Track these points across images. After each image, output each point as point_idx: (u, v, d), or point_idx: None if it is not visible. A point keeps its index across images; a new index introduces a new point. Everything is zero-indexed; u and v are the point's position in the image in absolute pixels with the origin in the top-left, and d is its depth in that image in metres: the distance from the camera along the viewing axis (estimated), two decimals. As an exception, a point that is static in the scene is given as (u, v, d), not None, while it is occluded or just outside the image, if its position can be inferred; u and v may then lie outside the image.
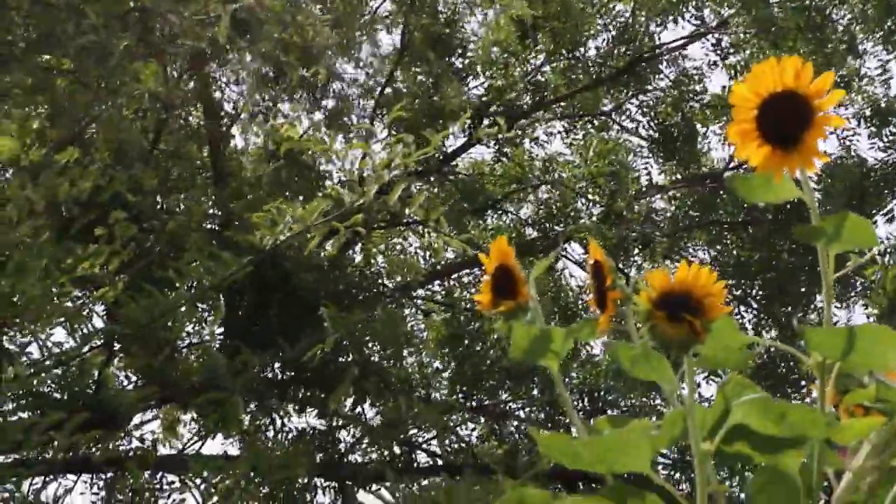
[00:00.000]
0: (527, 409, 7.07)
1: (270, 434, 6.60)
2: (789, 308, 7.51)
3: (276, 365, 5.93)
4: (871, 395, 1.11)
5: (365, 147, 4.31)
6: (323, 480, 6.46)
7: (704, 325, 0.96)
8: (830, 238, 1.04)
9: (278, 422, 6.67)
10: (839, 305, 7.88)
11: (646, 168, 8.32)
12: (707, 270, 0.96)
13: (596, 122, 8.62)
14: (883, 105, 8.13)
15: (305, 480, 5.98)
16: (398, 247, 8.16)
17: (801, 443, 1.07)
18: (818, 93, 0.98)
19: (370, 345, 6.02)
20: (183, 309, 4.10)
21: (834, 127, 1.00)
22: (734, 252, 7.82)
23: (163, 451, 6.24)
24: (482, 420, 7.11)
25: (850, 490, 1.11)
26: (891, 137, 8.13)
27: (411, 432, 6.51)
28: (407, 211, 4.42)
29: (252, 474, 4.70)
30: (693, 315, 0.96)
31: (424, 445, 7.02)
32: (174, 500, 5.69)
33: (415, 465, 7.04)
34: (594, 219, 7.68)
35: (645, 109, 8.45)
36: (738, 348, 1.12)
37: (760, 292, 7.82)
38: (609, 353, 1.08)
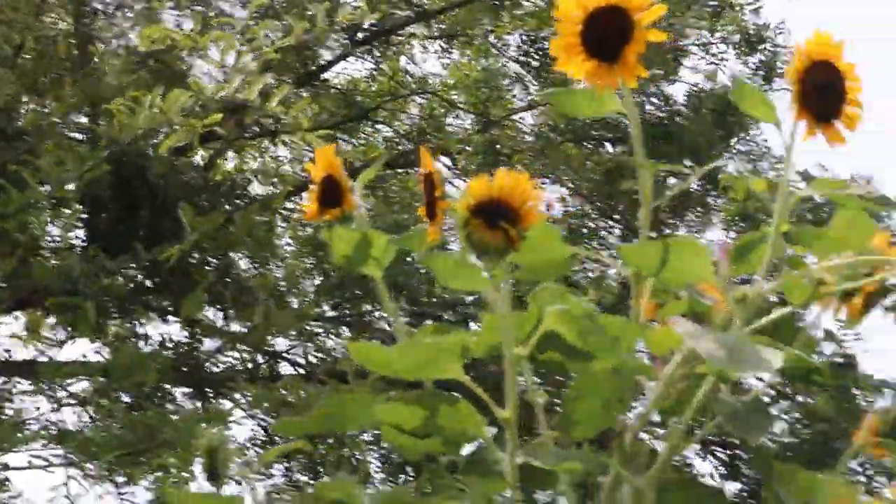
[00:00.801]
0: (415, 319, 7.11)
1: (133, 341, 6.55)
2: (656, 225, 7.66)
3: (137, 271, 5.85)
4: (685, 308, 1.14)
5: (229, 39, 4.20)
6: (182, 387, 6.45)
7: (520, 232, 0.97)
8: (652, 167, 1.06)
9: (140, 328, 6.61)
10: (693, 225, 8.02)
11: (522, 86, 8.33)
12: (526, 178, 0.97)
13: (474, 44, 8.58)
14: (752, 32, 8.27)
15: (165, 387, 5.96)
16: (270, 157, 8.06)
17: (613, 351, 1.10)
18: (640, 7, 0.99)
19: (232, 252, 5.98)
20: (39, 207, 4.00)
21: (658, 41, 1.01)
22: (599, 166, 7.91)
23: (20, 356, 6.14)
24: (346, 330, 7.15)
25: (662, 398, 1.14)
26: (758, 64, 8.29)
27: (273, 341, 6.52)
28: (269, 108, 4.33)
29: (106, 380, 4.66)
30: (510, 223, 0.97)
31: (287, 354, 7.05)
32: (24, 405, 5.62)
33: (277, 373, 7.06)
34: (467, 131, 7.69)
35: (522, 33, 8.44)
36: (560, 259, 1.14)
37: (627, 206, 7.94)
38: (424, 263, 1.09)
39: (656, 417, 1.16)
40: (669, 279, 1.10)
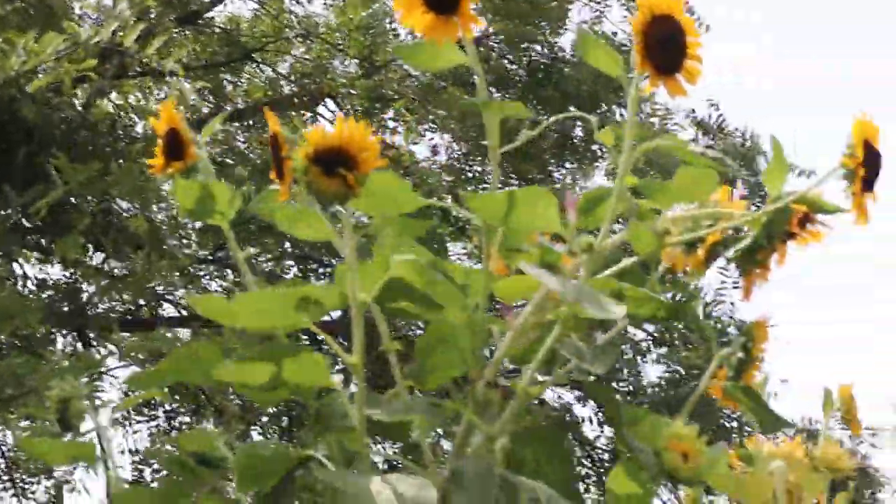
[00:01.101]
0: (274, 264, 7.08)
1: (11, 282, 6.42)
2: (537, 171, 7.70)
3: (14, 213, 5.72)
4: (535, 259, 1.16)
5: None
6: (63, 329, 6.35)
7: (359, 178, 0.98)
8: (496, 109, 1.07)
9: (19, 269, 6.49)
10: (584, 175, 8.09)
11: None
12: (363, 126, 0.98)
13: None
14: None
15: (44, 329, 5.86)
16: (152, 98, 7.91)
17: (462, 301, 1.11)
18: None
19: (111, 196, 5.87)
20: None
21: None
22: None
23: None
24: (230, 273, 7.10)
25: (513, 344, 1.16)
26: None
27: (157, 285, 6.44)
28: (147, 53, 4.25)
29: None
30: (347, 169, 0.98)
31: (171, 298, 6.99)
32: None
33: (160, 316, 6.99)
34: (351, 74, 7.63)
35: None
36: (405, 210, 1.14)
37: (514, 152, 8.00)
38: (267, 217, 1.09)
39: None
40: (517, 229, 1.11)
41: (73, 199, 5.57)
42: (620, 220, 1.16)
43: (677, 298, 1.17)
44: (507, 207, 1.08)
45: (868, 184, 1.07)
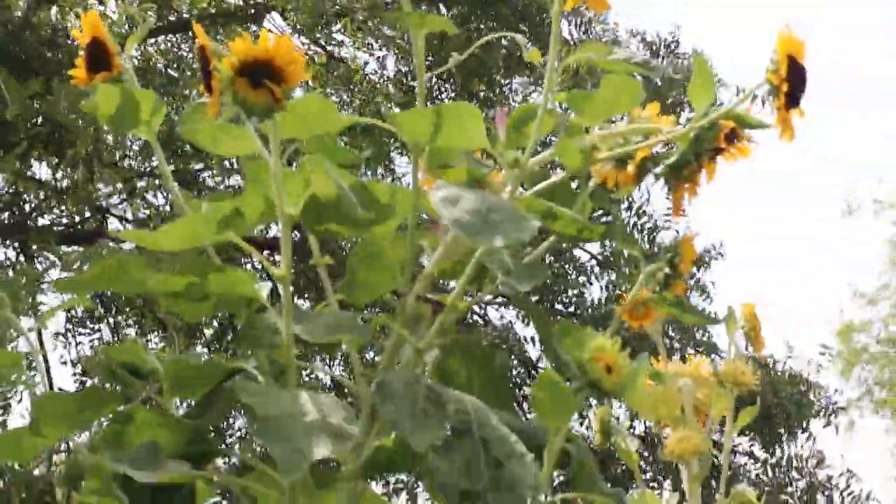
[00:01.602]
0: (217, 179, 7.01)
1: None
2: (487, 88, 7.65)
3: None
4: (463, 175, 1.16)
5: None
6: (5, 241, 6.29)
7: (285, 92, 0.98)
8: (417, 22, 1.06)
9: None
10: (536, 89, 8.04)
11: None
12: (288, 38, 0.97)
13: None
14: None
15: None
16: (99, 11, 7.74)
17: (390, 218, 1.11)
18: None
19: (52, 116, 5.76)
20: None
21: None
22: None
23: None
24: (176, 186, 7.00)
25: (442, 259, 1.17)
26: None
27: (100, 198, 6.39)
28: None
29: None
30: (274, 82, 0.97)
31: (115, 212, 6.92)
32: None
33: (103, 230, 6.93)
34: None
35: None
36: (333, 131, 1.14)
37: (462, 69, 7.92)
38: (188, 138, 1.08)
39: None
40: (444, 146, 1.11)
41: (12, 120, 5.47)
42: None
43: (608, 217, 1.19)
44: (434, 124, 1.07)
45: (793, 99, 1.08)
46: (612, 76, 1.08)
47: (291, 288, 1.08)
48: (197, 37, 1.06)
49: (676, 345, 7.31)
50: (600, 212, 1.30)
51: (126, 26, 6.50)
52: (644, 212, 7.12)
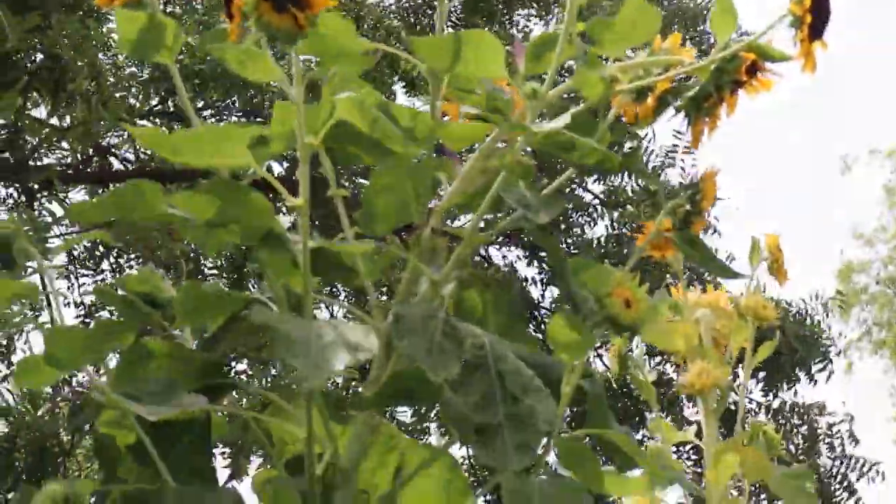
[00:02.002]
0: (223, 116, 6.97)
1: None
2: (492, 17, 7.58)
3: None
4: (481, 102, 1.15)
5: None
6: (6, 183, 6.27)
7: (309, 17, 0.97)
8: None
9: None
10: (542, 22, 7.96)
11: None
12: (314, -36, 0.96)
13: None
14: None
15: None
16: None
17: (410, 144, 1.10)
18: None
19: (52, 52, 5.70)
20: None
21: None
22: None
23: None
24: (178, 126, 6.99)
25: (459, 192, 1.16)
26: None
27: (102, 135, 6.35)
28: None
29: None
30: (298, 7, 0.96)
31: (117, 153, 6.89)
32: None
33: (108, 168, 6.91)
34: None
35: None
36: (355, 52, 1.12)
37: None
38: (217, 55, 1.07)
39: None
40: (463, 74, 1.10)
41: (11, 55, 5.42)
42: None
43: (625, 148, 1.17)
44: (454, 51, 1.06)
45: (816, 31, 1.06)
46: (631, 2, 1.07)
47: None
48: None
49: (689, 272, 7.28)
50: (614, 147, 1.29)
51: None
52: (649, 149, 7.08)
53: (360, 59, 1.12)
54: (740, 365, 1.64)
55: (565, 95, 1.14)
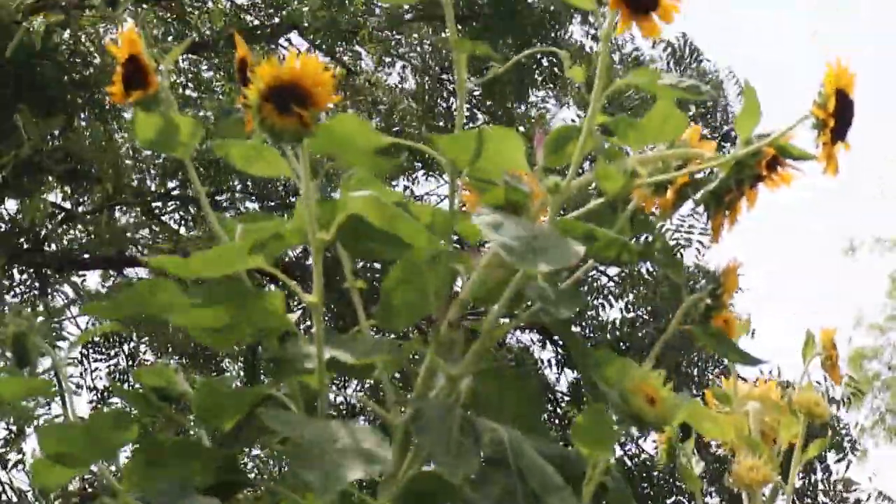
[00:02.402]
0: (231, 197, 7.01)
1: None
2: (504, 99, 7.62)
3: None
4: (501, 197, 1.14)
5: None
6: (22, 267, 6.29)
7: (314, 115, 0.96)
8: (467, 47, 1.05)
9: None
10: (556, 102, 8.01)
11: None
12: (315, 59, 0.95)
13: None
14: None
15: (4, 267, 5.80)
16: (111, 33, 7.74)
17: (430, 240, 1.09)
18: None
19: (75, 156, 5.75)
20: None
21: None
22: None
23: None
24: (194, 210, 7.02)
25: (477, 285, 1.15)
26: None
27: (118, 222, 6.40)
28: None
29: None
30: (302, 106, 0.95)
31: (132, 237, 6.92)
32: None
33: (124, 256, 6.93)
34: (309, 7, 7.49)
35: None
36: (369, 150, 1.12)
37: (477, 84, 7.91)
38: (221, 153, 1.06)
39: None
40: (485, 169, 1.10)
41: (35, 160, 5.48)
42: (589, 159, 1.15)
43: (643, 240, 1.16)
44: (476, 147, 1.06)
45: (839, 134, 1.06)
46: (661, 105, 1.07)
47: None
48: (237, 47, 1.04)
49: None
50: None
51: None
52: (664, 228, 7.06)
53: (377, 160, 1.12)
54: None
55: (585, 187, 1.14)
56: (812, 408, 1.53)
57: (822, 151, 1.07)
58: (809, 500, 7.18)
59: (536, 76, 7.63)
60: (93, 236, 6.65)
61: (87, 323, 5.88)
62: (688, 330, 1.18)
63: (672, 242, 7.06)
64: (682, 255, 7.03)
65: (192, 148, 1.12)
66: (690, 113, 7.00)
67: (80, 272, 6.34)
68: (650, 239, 1.15)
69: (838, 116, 1.05)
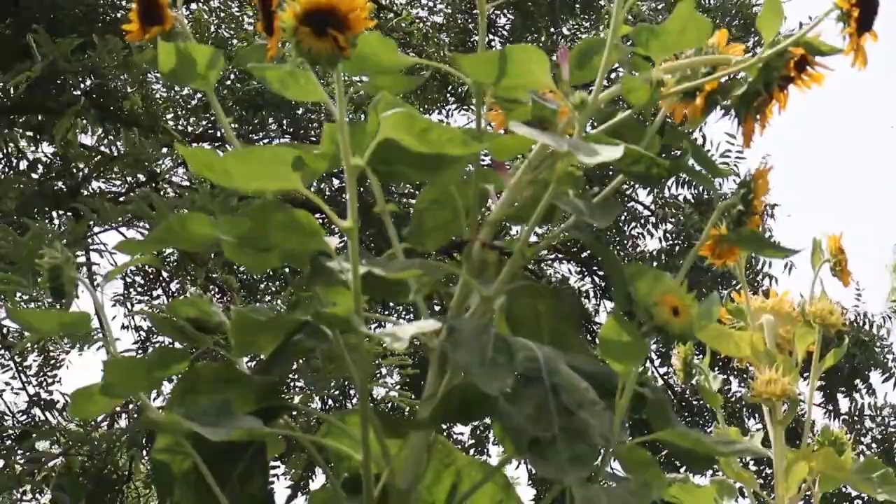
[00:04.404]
0: (272, 139, 7.01)
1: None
2: (538, 32, 7.55)
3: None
4: (528, 114, 1.13)
5: None
6: (58, 210, 6.32)
7: (349, 39, 0.96)
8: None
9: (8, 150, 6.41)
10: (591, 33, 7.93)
11: None
12: (352, -15, 0.95)
13: None
14: None
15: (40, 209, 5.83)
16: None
17: (456, 161, 1.09)
18: None
19: (96, 73, 5.75)
20: None
21: None
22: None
23: None
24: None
25: (508, 203, 1.15)
26: None
27: (153, 163, 6.39)
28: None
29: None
30: (337, 30, 0.95)
31: (168, 177, 6.94)
32: None
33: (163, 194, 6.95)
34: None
35: None
36: (396, 70, 1.12)
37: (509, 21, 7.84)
38: (257, 74, 1.06)
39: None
40: (509, 87, 1.09)
41: (59, 80, 5.46)
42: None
43: (675, 154, 1.15)
44: (499, 66, 1.06)
45: (865, 24, 1.04)
46: (681, 8, 1.05)
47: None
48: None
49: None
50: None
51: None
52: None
53: (403, 79, 1.12)
54: (804, 373, 1.60)
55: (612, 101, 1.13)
56: (826, 316, 1.53)
57: (848, 43, 1.05)
58: (856, 425, 7.17)
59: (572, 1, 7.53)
60: (127, 178, 6.67)
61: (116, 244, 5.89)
62: (723, 241, 1.18)
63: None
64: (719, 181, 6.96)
65: (214, 78, 1.12)
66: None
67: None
68: (680, 153, 1.14)
69: (862, 5, 1.03)
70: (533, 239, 1.14)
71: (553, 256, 7.39)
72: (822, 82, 1.09)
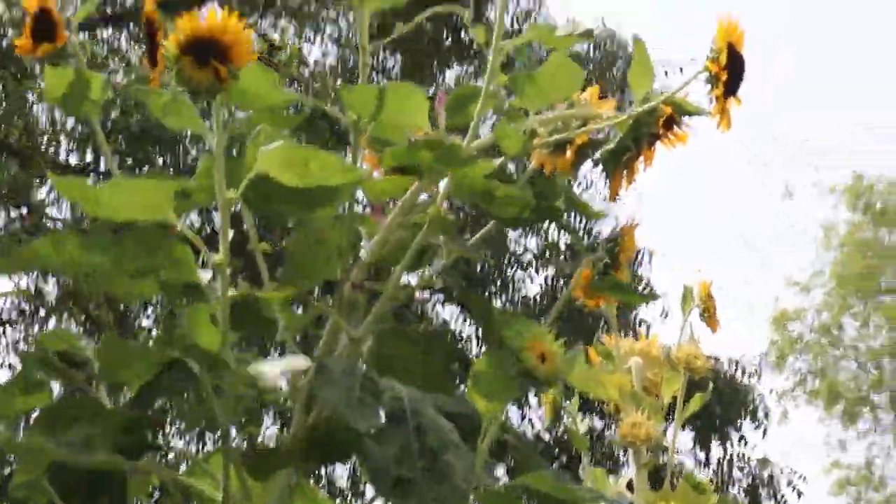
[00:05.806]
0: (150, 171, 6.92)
1: None
2: (423, 75, 7.61)
3: None
4: (402, 154, 1.14)
5: None
6: None
7: (231, 71, 0.96)
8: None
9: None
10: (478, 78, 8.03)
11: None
12: (236, 17, 0.96)
13: None
14: None
15: None
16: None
17: (332, 199, 1.09)
18: None
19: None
20: None
21: None
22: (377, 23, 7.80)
23: None
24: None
25: (380, 245, 1.15)
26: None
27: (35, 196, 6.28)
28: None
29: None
30: (219, 61, 0.96)
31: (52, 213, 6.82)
32: None
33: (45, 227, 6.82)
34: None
35: None
36: (278, 106, 1.12)
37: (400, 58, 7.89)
38: (137, 97, 1.06)
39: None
40: (386, 124, 1.10)
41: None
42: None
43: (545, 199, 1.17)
44: (378, 101, 1.07)
45: (731, 88, 1.08)
46: (555, 57, 1.08)
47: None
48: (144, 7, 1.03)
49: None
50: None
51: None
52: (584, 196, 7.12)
53: (285, 115, 1.12)
54: (670, 417, 1.63)
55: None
56: (691, 361, 1.56)
57: (715, 105, 1.09)
58: (722, 473, 7.30)
59: (457, 46, 7.63)
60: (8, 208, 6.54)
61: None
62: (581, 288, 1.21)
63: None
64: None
65: (100, 105, 1.12)
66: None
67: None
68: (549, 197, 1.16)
69: (730, 70, 1.07)
70: (414, 282, 1.15)
71: (436, 299, 7.42)
72: (687, 142, 1.13)
